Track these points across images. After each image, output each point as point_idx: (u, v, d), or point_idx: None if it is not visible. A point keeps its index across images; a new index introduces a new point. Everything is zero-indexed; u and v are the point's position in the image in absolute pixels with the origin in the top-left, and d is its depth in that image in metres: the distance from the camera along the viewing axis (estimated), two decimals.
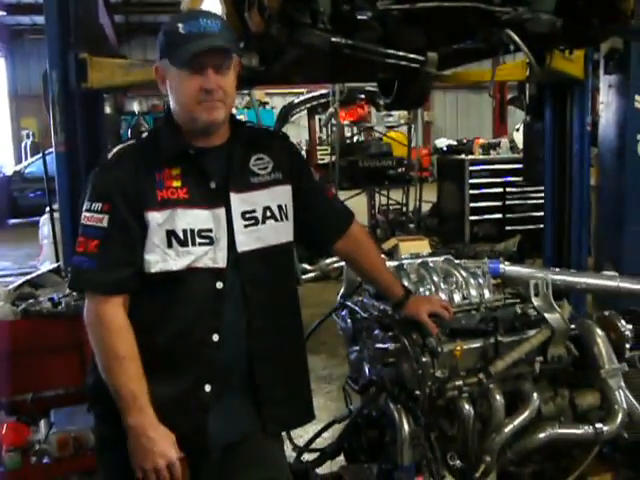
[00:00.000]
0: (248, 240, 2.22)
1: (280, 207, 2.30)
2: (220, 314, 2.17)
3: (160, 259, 2.11)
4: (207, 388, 2.17)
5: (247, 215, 2.23)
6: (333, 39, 2.65)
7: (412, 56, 2.83)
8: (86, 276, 2.11)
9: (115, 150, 2.20)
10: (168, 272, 2.11)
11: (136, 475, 2.09)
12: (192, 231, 2.13)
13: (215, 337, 2.16)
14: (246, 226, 2.22)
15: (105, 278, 2.09)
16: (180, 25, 2.10)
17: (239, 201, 2.22)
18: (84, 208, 2.14)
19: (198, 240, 2.14)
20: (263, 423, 2.29)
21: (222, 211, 2.19)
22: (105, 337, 2.08)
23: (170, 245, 2.11)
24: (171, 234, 2.11)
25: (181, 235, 2.12)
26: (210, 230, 2.16)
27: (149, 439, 2.04)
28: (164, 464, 2.05)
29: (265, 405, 2.28)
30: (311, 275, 9.75)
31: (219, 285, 2.17)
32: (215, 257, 2.16)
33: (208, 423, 2.18)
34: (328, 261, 9.68)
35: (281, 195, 2.33)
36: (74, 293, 3.83)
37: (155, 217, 2.11)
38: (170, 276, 2.12)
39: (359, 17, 2.72)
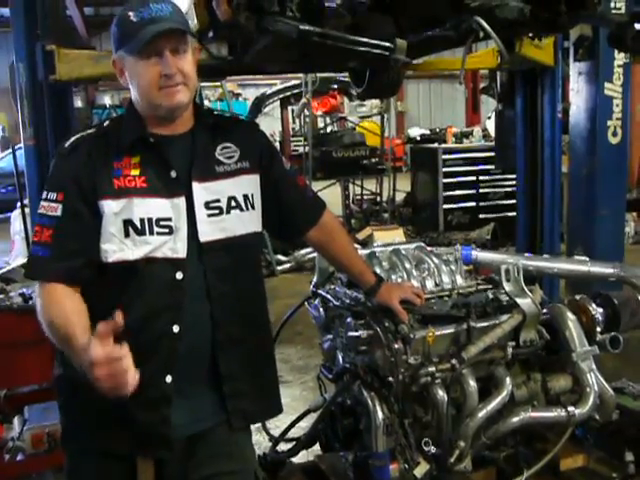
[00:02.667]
0: (211, 230, 2.18)
1: (246, 197, 2.26)
2: (181, 305, 2.13)
3: (117, 249, 2.07)
4: (168, 379, 2.12)
5: (211, 205, 2.19)
6: (302, 27, 2.64)
7: (381, 43, 2.83)
8: (40, 265, 2.08)
9: (72, 139, 2.16)
10: (125, 262, 2.08)
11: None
12: (150, 220, 2.09)
13: (175, 328, 2.12)
14: (209, 215, 2.18)
15: (55, 267, 2.05)
16: (131, 13, 2.07)
17: (202, 190, 2.18)
18: (42, 197, 2.12)
19: (156, 229, 2.10)
20: (228, 416, 2.24)
21: (182, 200, 2.15)
22: (54, 312, 2.01)
23: (127, 234, 2.08)
24: (128, 223, 2.08)
25: (138, 224, 2.08)
26: (169, 219, 2.12)
27: (83, 360, 1.86)
28: (90, 363, 1.83)
29: (230, 398, 2.23)
30: (286, 266, 9.75)
31: (179, 276, 2.12)
32: (175, 247, 2.12)
33: (171, 414, 2.14)
34: (302, 252, 9.67)
35: (247, 184, 2.29)
36: None
37: (110, 206, 2.07)
38: (128, 267, 2.08)
39: (328, 5, 2.72)
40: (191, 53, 2.15)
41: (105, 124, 2.23)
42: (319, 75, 10.54)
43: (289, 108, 13.58)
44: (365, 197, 13.58)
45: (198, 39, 2.34)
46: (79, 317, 2.02)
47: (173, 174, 2.15)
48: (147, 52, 2.06)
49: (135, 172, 2.12)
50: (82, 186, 2.07)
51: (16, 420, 3.83)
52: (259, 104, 12.63)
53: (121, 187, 2.09)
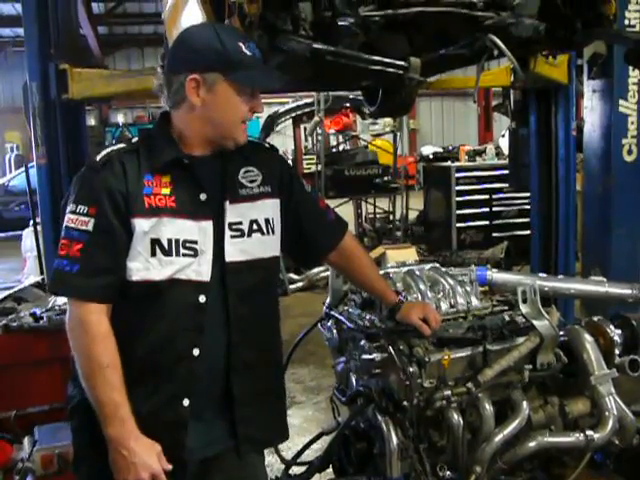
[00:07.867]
0: (233, 252, 2.18)
1: (267, 221, 2.27)
2: (202, 328, 2.13)
3: (142, 267, 2.06)
4: (185, 402, 2.13)
5: (233, 227, 2.19)
6: (315, 45, 2.63)
7: (395, 62, 2.80)
8: (68, 280, 2.04)
9: (104, 152, 2.13)
10: (149, 282, 2.07)
11: None
12: (177, 241, 2.09)
13: (196, 351, 2.12)
14: (232, 237, 2.18)
15: (87, 284, 2.03)
16: (242, 44, 2.09)
17: (227, 212, 2.19)
18: (69, 210, 2.08)
19: (182, 251, 2.10)
20: (237, 442, 2.24)
21: (209, 223, 2.15)
22: (88, 344, 2.02)
23: (154, 254, 2.07)
24: (156, 243, 2.07)
25: (166, 244, 2.08)
26: (195, 242, 2.12)
27: (130, 451, 1.98)
28: (147, 476, 1.99)
29: (240, 423, 2.23)
30: (298, 285, 9.71)
31: (202, 299, 2.13)
32: (199, 270, 2.12)
33: (186, 437, 2.13)
34: (315, 270, 9.64)
35: (269, 209, 2.30)
36: (56, 307, 3.78)
37: (141, 224, 2.06)
38: (152, 287, 2.08)
39: (341, 24, 2.70)
40: None
41: (134, 140, 2.21)
42: (332, 93, 10.54)
43: (301, 126, 13.59)
44: (378, 215, 13.55)
45: None
46: (115, 371, 2.02)
47: (203, 197, 2.16)
48: (251, 90, 2.13)
49: (166, 191, 2.11)
50: (116, 201, 2.06)
51: (26, 441, 3.79)
52: (271, 122, 12.65)
53: (152, 205, 2.08)
